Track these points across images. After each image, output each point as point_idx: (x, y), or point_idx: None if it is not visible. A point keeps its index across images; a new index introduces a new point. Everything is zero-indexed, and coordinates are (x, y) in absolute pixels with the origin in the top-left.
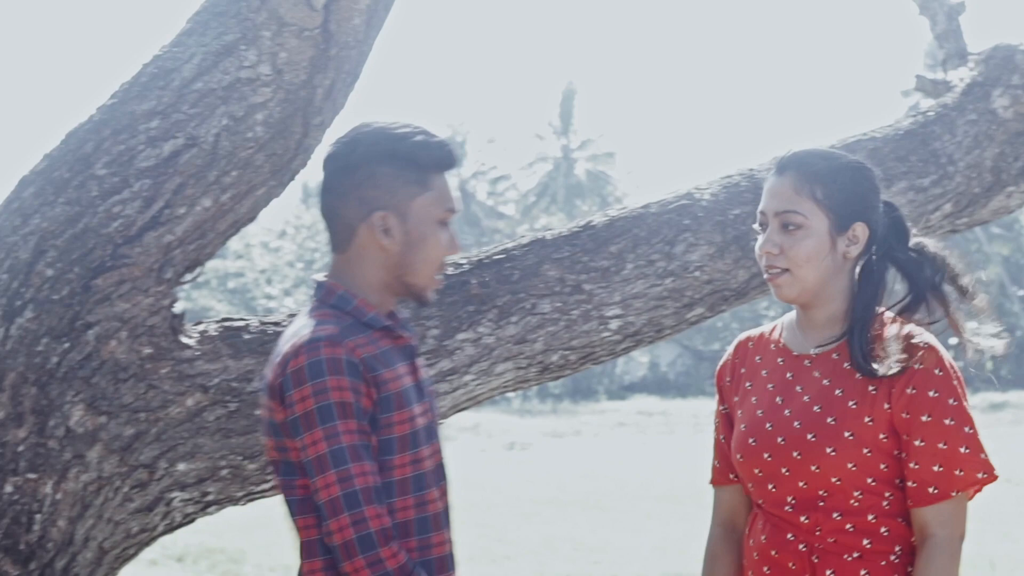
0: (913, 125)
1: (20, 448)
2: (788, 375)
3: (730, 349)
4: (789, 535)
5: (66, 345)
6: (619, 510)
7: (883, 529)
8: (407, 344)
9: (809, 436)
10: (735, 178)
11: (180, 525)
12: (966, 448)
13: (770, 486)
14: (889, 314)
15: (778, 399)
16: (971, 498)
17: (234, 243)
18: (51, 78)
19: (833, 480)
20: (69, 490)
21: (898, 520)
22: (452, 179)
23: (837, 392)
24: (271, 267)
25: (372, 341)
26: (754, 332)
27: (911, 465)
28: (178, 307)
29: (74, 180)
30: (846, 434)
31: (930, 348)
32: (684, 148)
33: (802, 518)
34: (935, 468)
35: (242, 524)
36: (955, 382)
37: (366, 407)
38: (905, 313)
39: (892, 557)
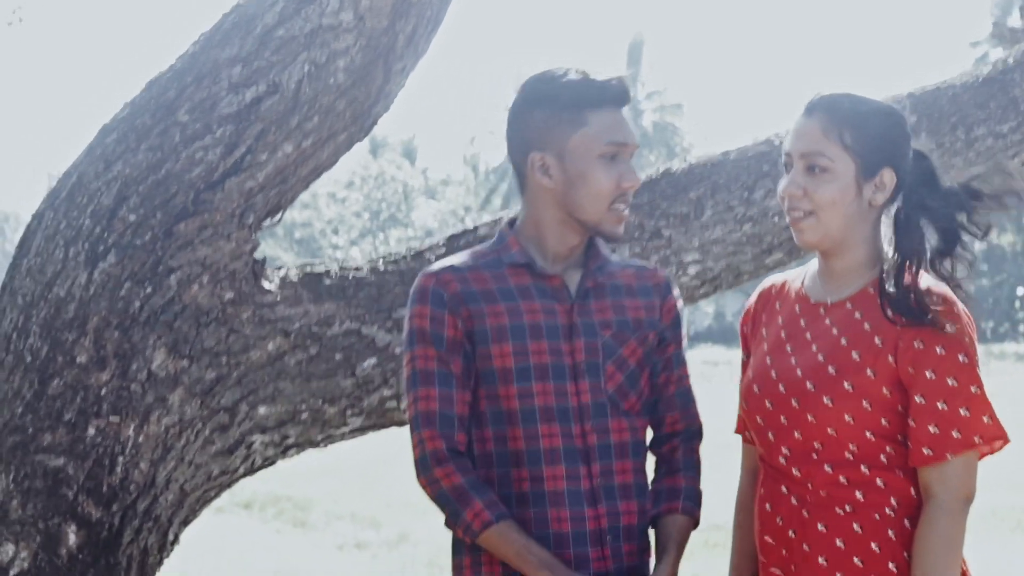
0: (993, 72)
1: (103, 391)
2: (802, 323)
3: (754, 295)
4: (783, 488)
5: (148, 290)
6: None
7: (878, 481)
8: (554, 283)
9: (808, 385)
10: None
11: (260, 467)
12: (966, 410)
13: (770, 435)
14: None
15: (788, 347)
16: (982, 457)
17: (301, 193)
18: (131, 28)
19: (828, 431)
20: (151, 433)
21: (896, 472)
22: (622, 113)
23: (843, 342)
24: (337, 217)
25: (497, 277)
26: (778, 278)
27: (909, 422)
28: (259, 253)
29: (156, 127)
30: (845, 385)
31: (946, 302)
32: (752, 99)
33: (794, 470)
34: (931, 428)
35: (309, 472)
36: (967, 339)
37: (450, 336)
38: (931, 265)
39: (887, 510)
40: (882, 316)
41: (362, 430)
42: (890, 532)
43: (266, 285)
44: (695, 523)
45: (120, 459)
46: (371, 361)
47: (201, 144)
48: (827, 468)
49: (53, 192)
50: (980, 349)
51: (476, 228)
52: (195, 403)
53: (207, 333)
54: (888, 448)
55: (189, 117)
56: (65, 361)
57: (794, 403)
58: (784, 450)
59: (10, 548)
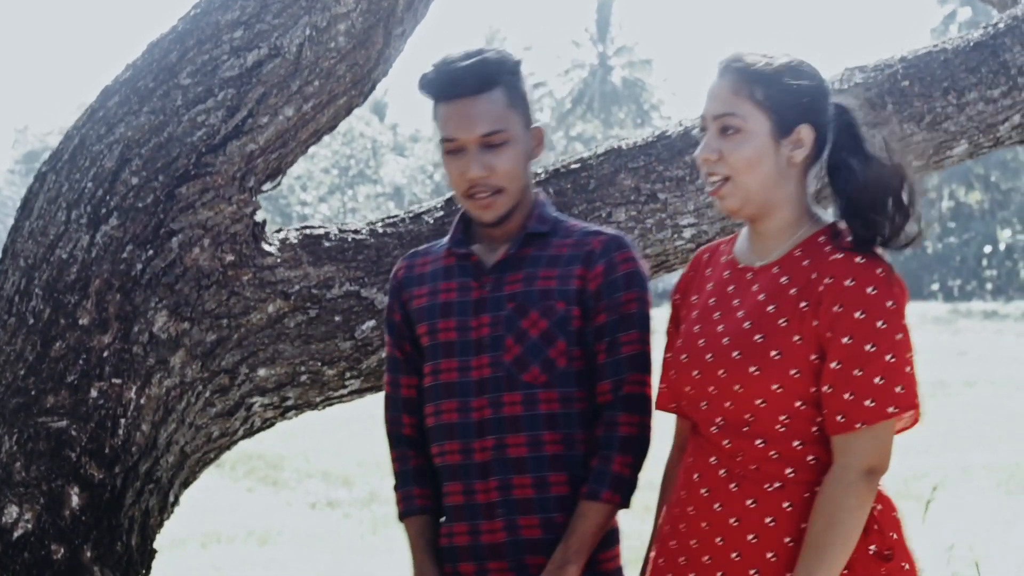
0: (983, 36)
1: (105, 354)
2: (730, 289)
3: (688, 265)
4: (712, 459)
5: (150, 252)
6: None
7: (810, 457)
8: (472, 261)
9: (734, 354)
10: None
11: (260, 429)
12: (882, 378)
13: (701, 405)
14: (841, 225)
15: (716, 314)
16: (900, 431)
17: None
18: None
19: (757, 402)
20: (152, 395)
21: (828, 449)
22: (460, 105)
23: (770, 308)
24: (306, 173)
25: (433, 260)
26: (712, 245)
27: (825, 388)
28: (259, 215)
29: (158, 89)
30: (772, 353)
31: (868, 262)
32: (721, 54)
33: (725, 442)
34: (846, 396)
35: (280, 431)
36: (890, 303)
37: (396, 321)
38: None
39: (817, 488)
40: (808, 278)
41: (360, 392)
42: None
43: (266, 248)
44: (612, 506)
45: (122, 421)
46: (370, 324)
47: (203, 107)
48: (758, 442)
49: (55, 154)
50: (946, 307)
51: None
52: (196, 365)
53: (208, 295)
54: (819, 419)
55: (191, 80)
56: (67, 323)
57: (721, 373)
58: (718, 420)
59: (14, 510)
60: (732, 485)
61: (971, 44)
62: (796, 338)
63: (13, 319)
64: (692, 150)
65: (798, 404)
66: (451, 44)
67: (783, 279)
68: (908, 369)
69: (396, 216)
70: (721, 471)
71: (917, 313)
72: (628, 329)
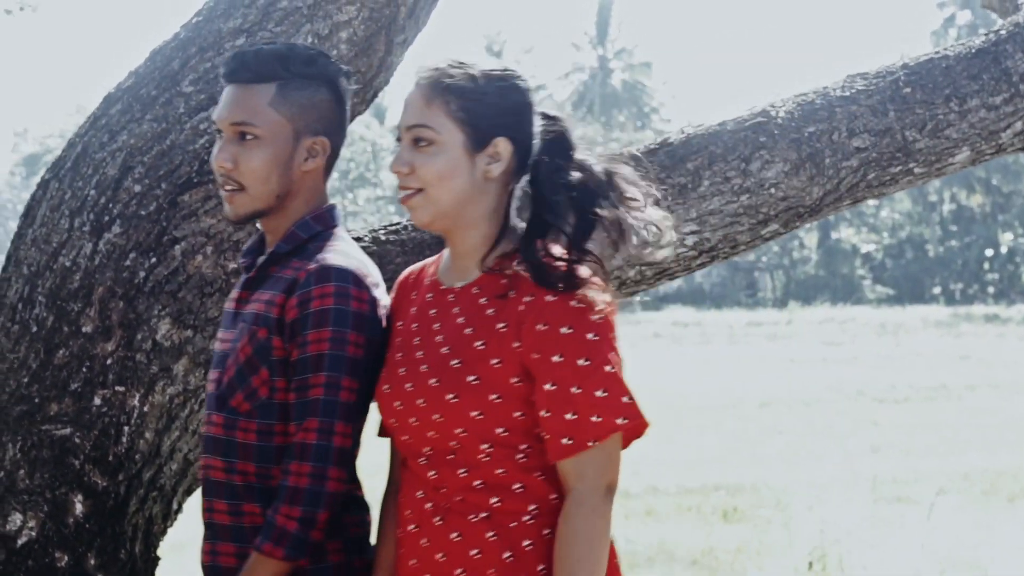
0: (985, 43)
1: (108, 361)
2: (432, 312)
3: (393, 288)
4: (419, 492)
5: (153, 260)
6: (655, 421)
7: (516, 485)
8: (243, 270)
9: (431, 381)
10: (809, 96)
11: None
12: (604, 391)
13: (405, 436)
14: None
15: (416, 340)
16: (626, 446)
17: None
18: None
19: (458, 431)
20: (156, 403)
21: (535, 475)
22: (229, 90)
23: (467, 331)
24: None
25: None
26: (417, 265)
27: (542, 413)
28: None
29: (161, 97)
30: (470, 378)
31: (571, 275)
32: (721, 57)
33: (431, 473)
34: (568, 416)
35: None
36: (595, 315)
37: None
38: (571, 241)
39: (525, 518)
40: (506, 298)
41: None
42: (526, 542)
43: None
44: (275, 561)
45: (125, 429)
46: None
47: (205, 115)
48: (461, 472)
49: (58, 161)
50: (947, 311)
51: None
52: (199, 373)
53: (211, 303)
54: (524, 446)
55: (193, 88)
56: (71, 331)
57: (420, 402)
58: (425, 450)
59: (18, 517)
60: (437, 519)
61: (973, 51)
62: (495, 361)
63: (16, 327)
64: (694, 157)
65: (500, 431)
66: (451, 47)
67: (482, 300)
68: (625, 380)
69: (398, 223)
70: (427, 504)
71: (919, 317)
72: (316, 371)
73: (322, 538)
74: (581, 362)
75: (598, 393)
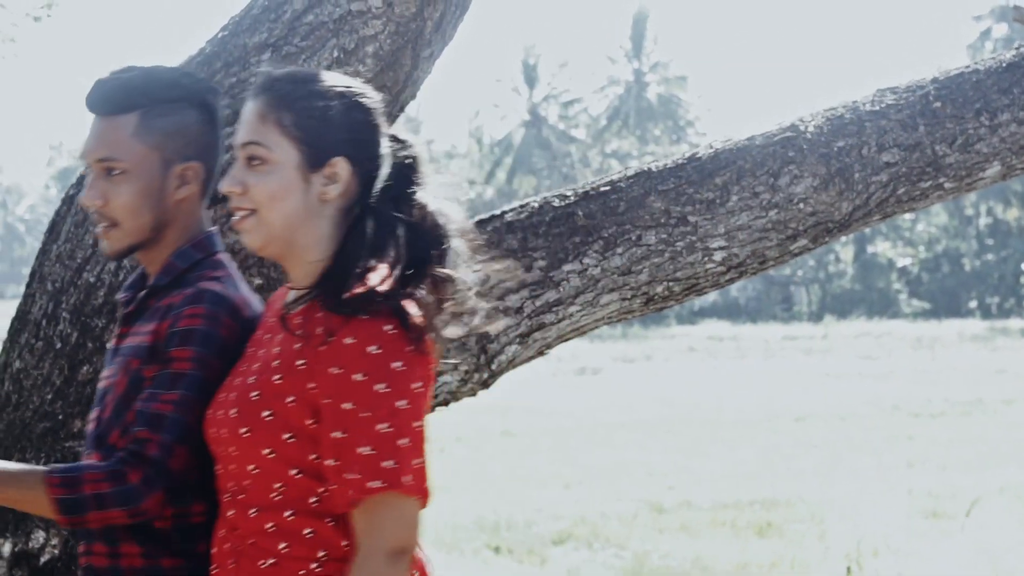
0: (1016, 57)
1: None
2: (265, 337)
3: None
4: (222, 531)
5: None
6: (690, 435)
7: (306, 531)
8: (123, 305)
9: (232, 412)
10: (839, 110)
11: None
12: (371, 449)
13: (219, 467)
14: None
15: (244, 366)
16: (424, 506)
17: None
18: (161, 13)
19: (250, 468)
20: None
21: (327, 522)
22: (96, 125)
23: (275, 363)
24: None
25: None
26: (285, 286)
27: (328, 462)
28: None
29: None
30: (264, 414)
31: (374, 318)
32: (756, 70)
33: (230, 512)
34: (352, 467)
35: None
36: (397, 364)
37: None
38: (403, 281)
39: (314, 565)
40: (313, 333)
41: None
42: None
43: None
44: (53, 498)
45: None
46: None
47: (231, 130)
48: (252, 512)
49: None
50: (983, 324)
51: (503, 213)
52: None
53: None
54: (320, 489)
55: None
56: (95, 347)
57: (223, 432)
58: (230, 485)
59: (40, 535)
60: (231, 562)
61: (1004, 65)
62: (290, 400)
63: (40, 343)
64: (723, 172)
65: (294, 472)
66: (487, 61)
67: (299, 331)
68: (404, 442)
69: None
70: (226, 545)
71: (955, 331)
72: (172, 388)
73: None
74: (364, 414)
75: (363, 450)
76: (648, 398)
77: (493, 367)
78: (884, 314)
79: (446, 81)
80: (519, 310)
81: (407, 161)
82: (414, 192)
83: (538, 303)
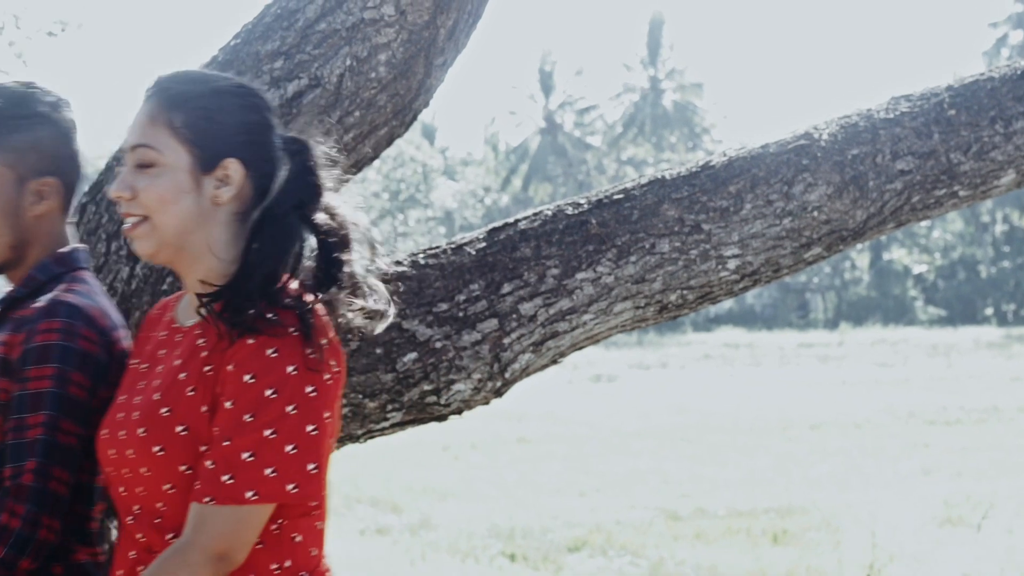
0: None
1: None
2: (161, 352)
3: (141, 324)
4: (131, 553)
5: None
6: (706, 443)
7: None
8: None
9: (140, 431)
10: (853, 118)
11: None
12: (252, 455)
13: (120, 489)
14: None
15: (140, 384)
16: (297, 518)
17: None
18: (175, 19)
19: (165, 488)
20: None
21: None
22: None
23: (181, 376)
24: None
25: None
26: (168, 299)
27: (206, 462)
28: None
29: None
30: (178, 429)
31: (279, 318)
32: (772, 77)
33: (139, 535)
34: (208, 463)
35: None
36: (292, 368)
37: None
38: (314, 286)
39: None
40: (219, 341)
41: (402, 425)
42: None
43: None
44: None
45: None
46: (411, 356)
47: None
48: (169, 537)
49: (95, 185)
50: (999, 332)
51: (516, 221)
52: None
53: None
54: None
55: None
56: None
57: (130, 453)
58: (135, 508)
59: None
60: None
61: (1019, 72)
62: (204, 408)
63: None
64: (737, 180)
65: None
66: (503, 68)
67: (201, 340)
68: (291, 449)
69: (437, 247)
70: (139, 568)
71: (971, 338)
72: (36, 410)
73: None
74: (247, 417)
75: (245, 455)
76: (663, 405)
77: (506, 375)
78: (900, 321)
79: (462, 88)
80: (532, 318)
81: (304, 159)
82: (314, 195)
83: (551, 311)
